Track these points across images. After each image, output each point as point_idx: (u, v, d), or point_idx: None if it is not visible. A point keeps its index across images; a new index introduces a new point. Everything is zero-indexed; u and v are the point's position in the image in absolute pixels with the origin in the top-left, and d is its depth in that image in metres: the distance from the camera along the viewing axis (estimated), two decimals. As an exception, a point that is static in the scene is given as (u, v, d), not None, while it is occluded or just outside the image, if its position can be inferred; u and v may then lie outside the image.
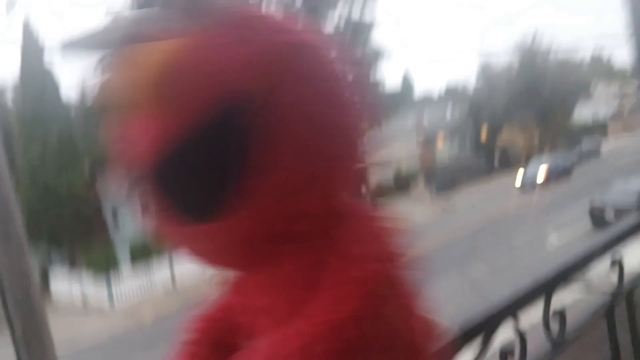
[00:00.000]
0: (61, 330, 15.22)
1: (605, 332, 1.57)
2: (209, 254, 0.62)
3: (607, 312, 1.58)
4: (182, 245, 0.63)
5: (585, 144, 38.70)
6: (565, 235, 16.48)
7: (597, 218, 16.82)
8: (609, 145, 42.81)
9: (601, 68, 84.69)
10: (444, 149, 41.89)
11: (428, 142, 41.21)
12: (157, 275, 20.16)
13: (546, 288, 1.35)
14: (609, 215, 16.28)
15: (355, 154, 0.64)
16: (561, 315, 1.36)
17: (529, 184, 27.79)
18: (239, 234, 0.57)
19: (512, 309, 1.23)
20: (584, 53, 55.22)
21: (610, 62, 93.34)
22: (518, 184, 28.69)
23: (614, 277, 1.62)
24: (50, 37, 29.30)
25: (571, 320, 1.41)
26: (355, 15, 25.11)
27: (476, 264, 14.74)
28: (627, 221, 1.81)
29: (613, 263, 1.62)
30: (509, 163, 38.63)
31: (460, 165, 37.23)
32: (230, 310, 0.73)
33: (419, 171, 37.44)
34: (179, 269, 20.33)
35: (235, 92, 0.53)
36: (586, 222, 17.22)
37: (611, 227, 1.76)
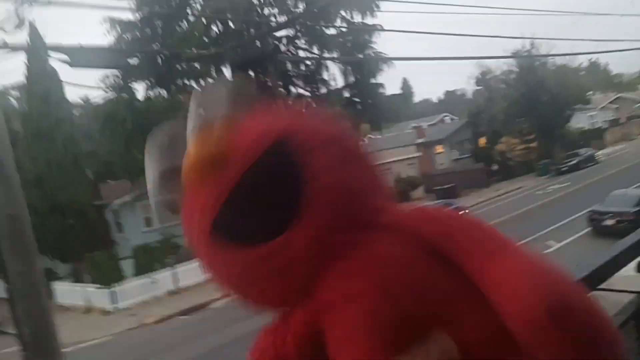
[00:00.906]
0: (64, 329, 15.32)
1: (634, 331, 1.63)
2: (288, 266, 0.74)
3: (636, 311, 1.65)
4: (255, 269, 0.76)
5: (583, 151, 38.85)
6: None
7: (597, 224, 16.99)
8: (607, 151, 43.09)
9: (598, 74, 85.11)
10: (443, 155, 42.01)
11: (427, 147, 41.33)
12: (161, 278, 20.23)
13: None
14: (609, 221, 16.46)
15: (376, 173, 0.82)
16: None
17: None
18: (310, 233, 0.72)
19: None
20: (582, 59, 55.30)
21: (608, 68, 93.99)
22: None
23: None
24: (56, 38, 29.42)
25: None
26: (358, 20, 25.20)
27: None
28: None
29: (640, 265, 1.71)
30: (508, 170, 38.74)
31: (459, 172, 37.29)
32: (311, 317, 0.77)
33: (419, 176, 37.49)
34: (181, 272, 20.54)
35: (276, 137, 0.75)
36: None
37: (635, 233, 1.85)
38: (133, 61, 21.51)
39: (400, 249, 0.70)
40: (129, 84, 23.42)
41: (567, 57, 38.35)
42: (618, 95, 68.24)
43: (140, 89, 24.40)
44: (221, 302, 18.01)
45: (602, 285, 1.53)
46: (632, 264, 1.71)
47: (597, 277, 1.53)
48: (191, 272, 20.86)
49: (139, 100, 23.84)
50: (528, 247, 0.67)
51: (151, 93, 24.65)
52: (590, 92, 54.20)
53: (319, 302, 0.72)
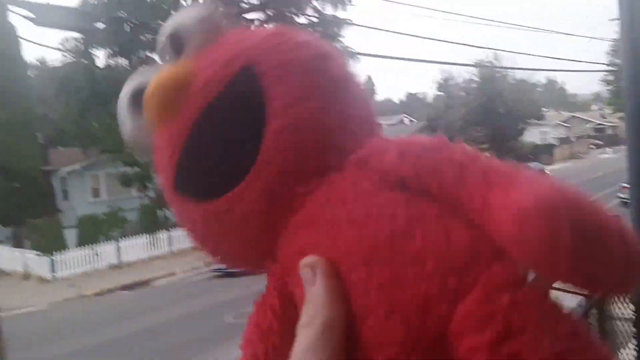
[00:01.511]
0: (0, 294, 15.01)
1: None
2: (240, 225, 0.63)
3: (583, 315, 1.77)
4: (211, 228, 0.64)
5: (532, 165, 40.17)
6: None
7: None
8: (555, 168, 44.55)
9: (554, 92, 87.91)
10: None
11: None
12: (104, 251, 19.86)
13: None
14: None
15: (359, 103, 0.67)
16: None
17: None
18: (263, 181, 0.59)
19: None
20: (541, 75, 57.03)
21: (564, 87, 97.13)
22: None
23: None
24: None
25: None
26: (329, 12, 25.22)
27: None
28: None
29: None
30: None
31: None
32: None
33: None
34: (125, 247, 20.24)
35: (243, 63, 0.61)
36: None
37: None
38: (98, 26, 20.91)
39: (363, 185, 0.58)
40: (90, 50, 22.76)
41: (527, 72, 39.48)
42: (571, 115, 70.71)
43: (101, 57, 23.77)
44: (163, 281, 17.86)
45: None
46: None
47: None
48: (135, 248, 20.59)
49: (98, 68, 23.20)
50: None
51: (112, 62, 24.04)
52: (545, 109, 55.86)
53: (280, 263, 0.63)
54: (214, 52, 0.64)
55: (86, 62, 22.71)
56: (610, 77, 26.45)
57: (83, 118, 21.03)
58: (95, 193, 24.60)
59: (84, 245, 19.80)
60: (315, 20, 25.77)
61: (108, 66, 23.55)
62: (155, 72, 0.65)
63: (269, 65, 0.61)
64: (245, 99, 0.60)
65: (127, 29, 19.59)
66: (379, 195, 0.56)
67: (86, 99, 21.67)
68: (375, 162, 0.59)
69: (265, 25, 0.68)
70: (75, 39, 23.00)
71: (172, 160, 0.63)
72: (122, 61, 24.13)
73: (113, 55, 23.76)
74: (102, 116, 20.99)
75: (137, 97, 0.67)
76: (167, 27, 0.68)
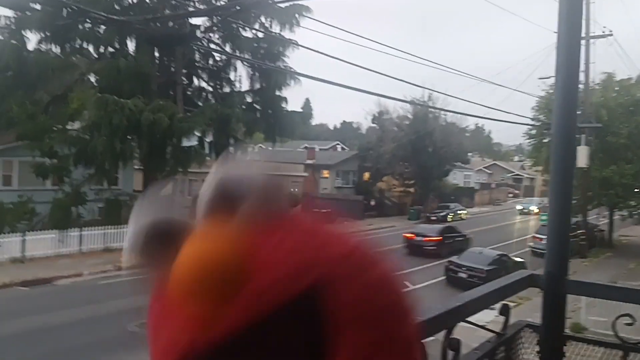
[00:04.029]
0: None
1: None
2: None
3: (491, 350, 1.78)
4: None
5: (452, 206, 41.58)
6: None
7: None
8: (474, 211, 46.37)
9: (481, 139, 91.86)
10: (328, 180, 42.93)
11: (315, 170, 42.05)
12: (7, 242, 18.66)
13: (448, 323, 1.50)
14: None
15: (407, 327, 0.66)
16: (457, 345, 1.51)
17: None
18: None
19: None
20: (470, 121, 59.54)
21: (490, 136, 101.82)
22: None
23: (501, 320, 1.85)
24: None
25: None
26: (276, 30, 25.21)
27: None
28: (515, 275, 2.05)
29: (503, 307, 1.84)
30: (383, 208, 40.42)
31: (339, 199, 38.21)
32: None
33: (300, 196, 37.94)
34: (31, 240, 19.15)
35: (312, 282, 0.58)
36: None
37: (503, 278, 1.98)
38: (34, 7, 20.02)
39: None
40: (22, 31, 21.65)
41: (458, 116, 40.98)
42: (493, 162, 74.05)
43: (32, 40, 22.62)
44: (68, 280, 16.95)
45: (470, 318, 1.61)
46: (497, 306, 1.84)
47: (467, 309, 1.61)
48: (42, 243, 19.51)
49: (28, 51, 22.08)
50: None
51: (43, 46, 22.97)
52: (471, 154, 58.13)
53: None
54: (279, 247, 0.58)
55: (16, 42, 21.55)
56: (533, 132, 27.84)
57: (3, 100, 19.87)
58: (6, 180, 23.27)
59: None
60: (260, 35, 25.76)
61: (39, 50, 22.47)
62: (202, 228, 0.60)
63: (342, 299, 0.58)
64: (306, 322, 0.57)
65: (64, 14, 18.75)
66: None
67: (11, 80, 20.55)
68: None
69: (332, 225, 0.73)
70: (7, 17, 21.84)
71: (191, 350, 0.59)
72: (55, 47, 23.13)
73: (46, 40, 22.72)
74: (24, 101, 19.93)
75: (155, 233, 0.62)
76: (218, 175, 0.61)
